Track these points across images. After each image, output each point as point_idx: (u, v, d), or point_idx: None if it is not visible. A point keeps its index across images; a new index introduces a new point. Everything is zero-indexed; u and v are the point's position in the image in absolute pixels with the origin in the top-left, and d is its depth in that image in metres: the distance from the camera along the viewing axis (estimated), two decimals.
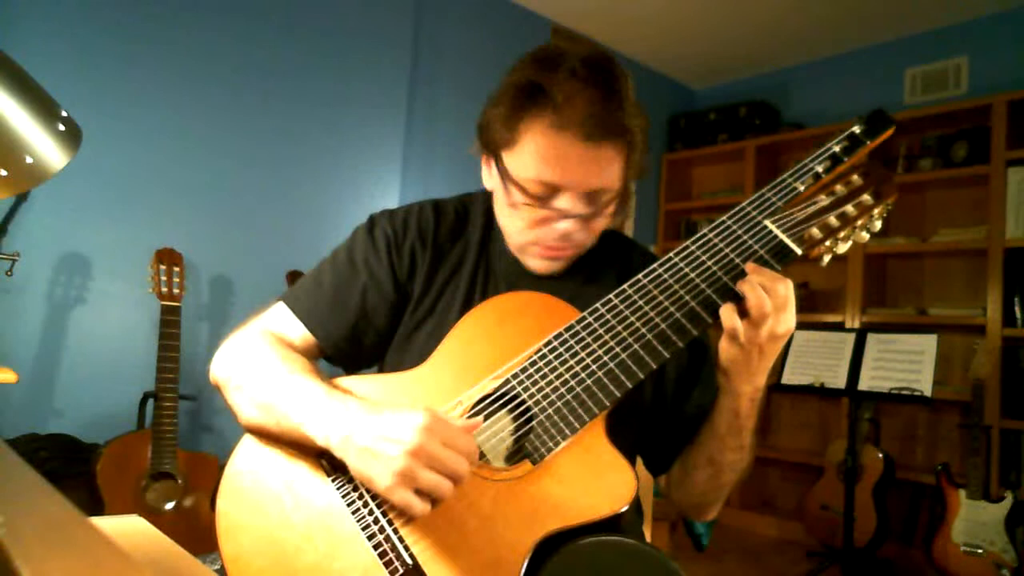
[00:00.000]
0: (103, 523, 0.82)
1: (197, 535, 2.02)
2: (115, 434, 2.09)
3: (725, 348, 0.82)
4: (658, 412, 1.00)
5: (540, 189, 0.89)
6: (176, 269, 2.17)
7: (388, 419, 0.76)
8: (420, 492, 0.74)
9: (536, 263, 0.97)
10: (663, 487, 1.03)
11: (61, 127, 0.56)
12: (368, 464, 0.75)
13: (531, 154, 0.88)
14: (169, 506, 2.06)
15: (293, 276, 2.55)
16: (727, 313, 0.80)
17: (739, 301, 0.80)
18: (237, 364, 0.92)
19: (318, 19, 2.86)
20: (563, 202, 0.89)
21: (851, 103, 3.83)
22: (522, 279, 0.99)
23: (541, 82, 0.86)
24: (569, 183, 0.88)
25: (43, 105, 0.55)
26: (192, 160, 2.53)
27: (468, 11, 3.37)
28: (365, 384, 0.90)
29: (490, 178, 0.97)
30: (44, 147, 0.54)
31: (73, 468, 2.06)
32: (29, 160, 0.53)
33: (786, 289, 0.79)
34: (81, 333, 2.29)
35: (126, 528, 0.80)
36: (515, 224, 0.94)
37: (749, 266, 0.81)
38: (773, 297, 0.78)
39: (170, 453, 2.05)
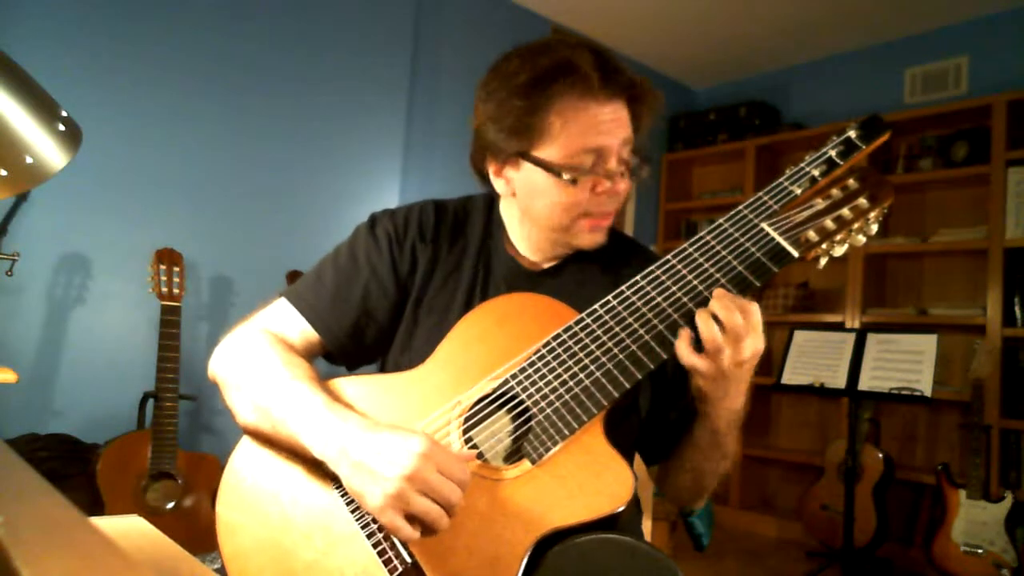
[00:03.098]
0: (103, 523, 0.82)
1: (197, 535, 2.02)
2: (115, 434, 2.09)
3: (692, 379, 0.83)
4: (659, 410, 1.01)
5: (589, 158, 0.92)
6: (176, 269, 2.17)
7: (386, 439, 0.76)
8: (410, 517, 0.74)
9: (586, 238, 0.98)
10: (653, 477, 1.06)
11: (61, 127, 0.56)
12: (361, 481, 0.75)
13: (570, 130, 0.91)
14: (169, 506, 2.06)
15: (293, 276, 2.55)
16: (683, 350, 0.81)
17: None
18: (237, 364, 0.92)
19: (318, 19, 2.85)
20: (611, 164, 0.93)
21: (851, 103, 3.83)
22: (521, 279, 1.00)
23: (553, 66, 0.89)
24: (610, 143, 0.91)
25: (43, 105, 0.55)
26: (192, 160, 2.53)
27: (468, 11, 3.37)
28: (364, 385, 0.90)
29: (508, 184, 0.98)
30: (44, 147, 0.54)
31: (73, 468, 2.06)
32: (29, 160, 0.53)
33: (744, 316, 0.79)
34: (81, 333, 2.29)
35: (126, 528, 0.80)
36: (570, 204, 0.94)
37: (715, 293, 0.82)
38: (728, 328, 0.78)
39: (170, 453, 2.05)
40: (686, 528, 2.76)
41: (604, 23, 3.74)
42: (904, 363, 2.66)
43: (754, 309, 0.80)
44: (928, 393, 2.55)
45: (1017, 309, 3.04)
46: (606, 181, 0.93)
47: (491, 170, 0.99)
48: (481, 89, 0.97)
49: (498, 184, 1.00)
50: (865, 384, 2.71)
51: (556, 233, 0.98)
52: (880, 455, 3.05)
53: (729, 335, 0.79)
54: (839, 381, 2.76)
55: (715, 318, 0.79)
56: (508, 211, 1.04)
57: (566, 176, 0.91)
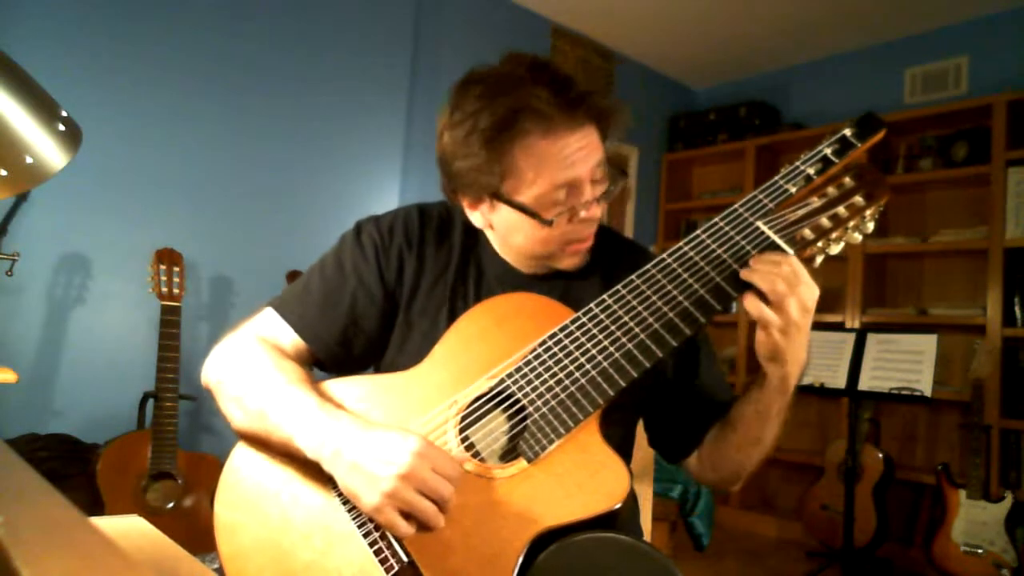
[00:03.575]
0: (103, 523, 0.82)
1: (197, 535, 2.02)
2: (115, 434, 2.09)
3: (763, 339, 0.83)
4: (658, 401, 1.01)
5: (563, 192, 0.90)
6: (176, 269, 2.17)
7: (380, 438, 0.78)
8: (406, 514, 0.76)
9: (567, 261, 0.98)
10: (692, 468, 1.04)
11: (61, 127, 0.56)
12: (356, 481, 0.77)
13: (539, 170, 0.89)
14: (169, 506, 2.06)
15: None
16: (753, 303, 0.81)
17: (741, 292, 0.81)
18: (230, 370, 0.92)
19: (318, 19, 2.85)
20: (585, 193, 0.92)
21: (851, 103, 3.83)
22: (514, 279, 1.01)
23: (512, 109, 0.87)
24: (581, 174, 0.90)
25: (43, 105, 0.55)
26: (192, 160, 2.53)
27: (468, 11, 3.37)
28: (360, 385, 0.90)
29: (484, 217, 0.98)
30: (44, 147, 0.54)
31: (73, 468, 2.06)
32: (29, 160, 0.53)
33: (791, 265, 0.80)
34: (81, 333, 2.29)
35: (126, 528, 0.80)
36: (548, 238, 0.94)
37: (753, 258, 0.82)
38: (784, 277, 0.79)
39: (170, 453, 2.05)
40: (686, 528, 2.76)
41: (604, 23, 3.74)
42: (904, 363, 2.66)
43: (795, 260, 0.81)
44: (928, 393, 2.55)
45: (1017, 309, 3.04)
46: (582, 211, 0.93)
47: (464, 204, 0.99)
48: (444, 120, 0.95)
49: (474, 217, 1.00)
50: (865, 384, 2.71)
51: (537, 260, 0.99)
52: (880, 455, 3.05)
53: (788, 284, 0.79)
54: (839, 381, 2.76)
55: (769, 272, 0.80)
56: (487, 234, 1.04)
57: (541, 218, 0.90)
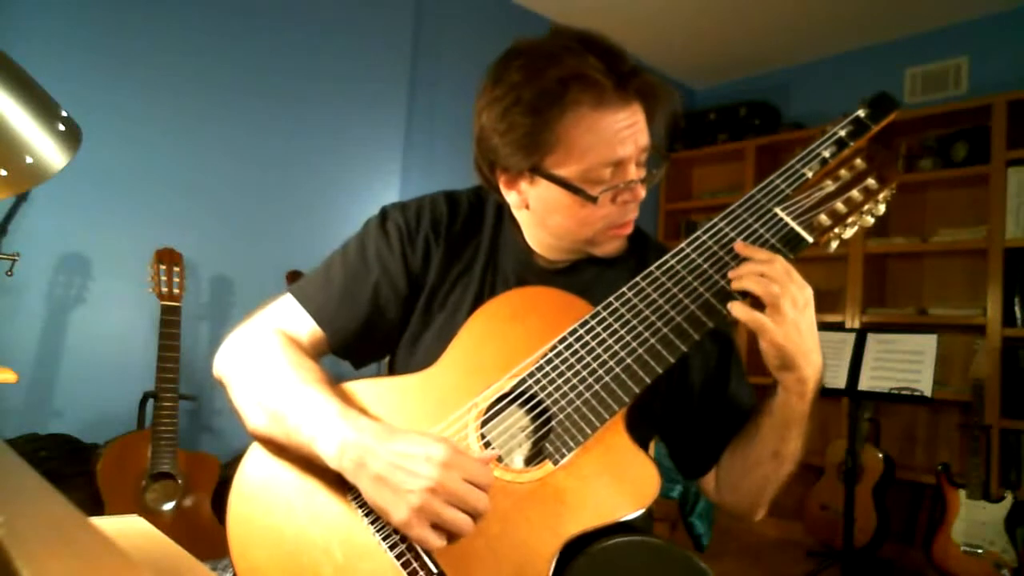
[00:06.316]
0: (103, 523, 0.82)
1: (197, 535, 2.02)
2: (115, 434, 2.09)
3: (767, 346, 0.79)
4: (682, 412, 0.97)
5: (608, 171, 0.87)
6: (176, 269, 2.16)
7: (405, 448, 0.74)
8: (436, 526, 0.72)
9: (607, 247, 0.95)
10: (710, 490, 0.99)
11: (61, 127, 0.56)
12: (384, 495, 0.73)
13: (586, 144, 0.85)
14: (169, 506, 2.05)
15: (293, 276, 2.55)
16: (742, 309, 0.78)
17: (744, 298, 0.80)
18: (245, 364, 0.89)
19: (318, 19, 2.85)
20: (630, 172, 0.88)
21: (851, 103, 3.78)
22: (531, 273, 0.97)
23: (562, 78, 0.84)
24: (628, 152, 0.87)
25: (43, 105, 0.55)
26: (192, 160, 2.53)
27: (468, 11, 3.37)
28: (378, 388, 0.87)
29: (521, 196, 0.93)
30: (44, 147, 0.54)
31: (73, 468, 2.05)
32: (29, 160, 0.53)
33: (781, 264, 0.78)
34: (81, 333, 2.29)
35: (126, 528, 0.80)
36: (590, 218, 0.90)
37: (737, 245, 0.81)
38: (775, 278, 0.77)
39: (170, 453, 2.05)
40: (686, 528, 2.76)
41: (604, 23, 3.70)
42: (904, 363, 2.66)
43: (779, 258, 0.79)
44: (928, 393, 2.55)
45: (1017, 309, 3.04)
46: (626, 191, 0.89)
47: (501, 182, 0.93)
48: (483, 97, 0.90)
49: (510, 196, 0.94)
50: (865, 384, 2.70)
51: (574, 244, 0.95)
52: (880, 455, 3.05)
53: (779, 282, 0.77)
54: (839, 381, 2.76)
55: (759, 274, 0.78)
56: (520, 217, 0.99)
57: (586, 194, 0.86)
